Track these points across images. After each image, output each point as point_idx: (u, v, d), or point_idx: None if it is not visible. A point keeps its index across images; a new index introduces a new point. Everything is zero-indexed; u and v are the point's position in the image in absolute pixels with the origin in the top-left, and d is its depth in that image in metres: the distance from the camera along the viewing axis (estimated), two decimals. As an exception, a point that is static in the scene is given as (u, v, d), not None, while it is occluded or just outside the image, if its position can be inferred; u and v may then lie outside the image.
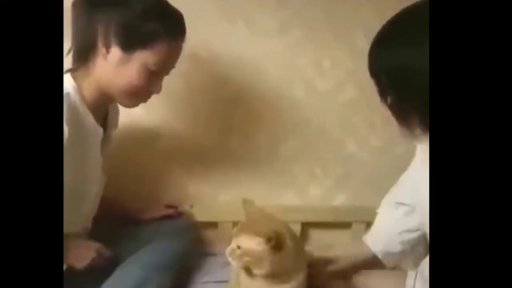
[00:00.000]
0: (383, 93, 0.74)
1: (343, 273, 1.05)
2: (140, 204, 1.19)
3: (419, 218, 0.91)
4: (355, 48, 1.19)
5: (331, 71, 1.22)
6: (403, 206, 0.96)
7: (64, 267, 0.87)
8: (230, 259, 0.85)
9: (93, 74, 0.89)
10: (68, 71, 0.90)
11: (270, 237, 0.81)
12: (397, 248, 0.97)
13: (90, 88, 0.90)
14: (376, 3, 1.16)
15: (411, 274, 0.97)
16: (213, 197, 1.28)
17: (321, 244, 1.26)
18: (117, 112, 1.08)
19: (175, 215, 1.20)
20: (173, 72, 0.95)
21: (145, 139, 1.23)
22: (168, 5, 0.90)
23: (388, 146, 1.27)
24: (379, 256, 1.00)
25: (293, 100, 1.24)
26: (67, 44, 0.87)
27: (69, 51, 0.90)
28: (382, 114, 0.78)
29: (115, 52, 0.86)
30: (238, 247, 0.83)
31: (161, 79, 0.93)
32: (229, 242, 0.86)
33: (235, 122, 1.25)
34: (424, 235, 0.92)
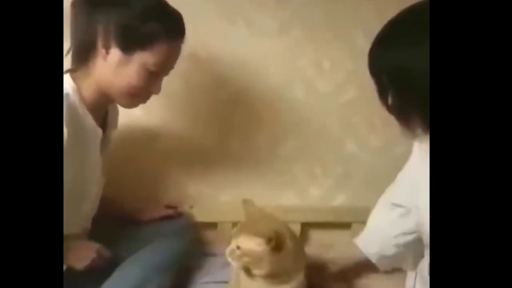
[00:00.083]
0: (383, 93, 0.74)
1: (342, 274, 1.05)
2: (139, 205, 1.19)
3: (415, 220, 0.90)
4: (355, 48, 1.19)
5: (331, 71, 1.22)
6: (399, 208, 0.96)
7: (64, 267, 0.87)
8: (230, 259, 0.84)
9: (93, 74, 0.89)
10: (67, 71, 0.90)
11: (270, 238, 0.81)
12: (392, 251, 0.97)
13: (89, 88, 0.90)
14: (376, 3, 1.16)
15: (411, 274, 0.97)
16: (213, 198, 1.28)
17: (321, 244, 1.26)
18: (116, 113, 1.07)
19: (175, 216, 1.19)
20: (172, 72, 0.95)
21: (145, 139, 1.23)
22: (167, 5, 0.89)
23: (388, 146, 1.27)
24: (374, 260, 1.00)
25: (293, 100, 1.24)
26: (66, 44, 0.87)
27: (68, 51, 0.90)
28: (382, 114, 0.78)
29: (115, 53, 0.86)
30: (238, 247, 0.83)
31: (160, 80, 0.93)
32: (229, 243, 0.86)
33: (235, 122, 1.25)
34: (420, 237, 0.92)
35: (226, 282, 1.00)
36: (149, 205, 1.20)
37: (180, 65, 0.95)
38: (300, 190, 1.30)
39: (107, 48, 0.85)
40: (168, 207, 1.21)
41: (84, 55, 0.88)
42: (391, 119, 0.77)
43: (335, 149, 1.28)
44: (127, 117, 1.12)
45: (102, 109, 0.97)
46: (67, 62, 0.88)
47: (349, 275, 1.07)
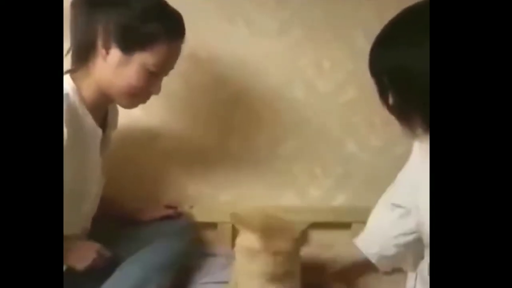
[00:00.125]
0: (383, 93, 0.74)
1: (342, 275, 1.05)
2: (139, 205, 1.19)
3: (415, 220, 0.90)
4: (355, 48, 1.19)
5: (331, 71, 1.22)
6: (399, 208, 0.95)
7: (64, 268, 0.87)
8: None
9: (93, 75, 0.89)
10: (67, 72, 0.90)
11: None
12: (392, 251, 0.97)
13: (89, 89, 0.90)
14: (376, 3, 1.16)
15: (411, 275, 0.97)
16: (213, 198, 1.28)
17: (321, 244, 1.26)
18: (116, 113, 1.07)
19: (175, 216, 1.19)
20: (172, 72, 0.95)
21: (145, 139, 1.23)
22: (167, 5, 0.89)
23: (388, 146, 1.26)
24: (373, 260, 0.99)
25: (293, 100, 1.24)
26: (66, 44, 0.86)
27: (68, 52, 0.90)
28: (382, 114, 0.78)
29: (115, 53, 0.86)
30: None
31: (160, 80, 0.93)
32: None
33: (235, 123, 1.25)
34: (420, 237, 0.92)
35: (226, 282, 1.00)
36: (149, 205, 1.20)
37: (180, 65, 0.95)
38: (300, 190, 1.30)
39: (107, 48, 0.85)
40: (168, 207, 1.21)
41: (84, 55, 0.88)
42: (391, 119, 0.77)
43: (335, 149, 1.27)
44: (127, 117, 1.12)
45: (102, 109, 0.97)
46: (67, 62, 0.88)
47: (349, 275, 1.07)
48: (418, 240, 0.92)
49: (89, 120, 0.91)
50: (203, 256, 1.18)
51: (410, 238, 0.94)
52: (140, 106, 0.95)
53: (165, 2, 0.90)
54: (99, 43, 0.85)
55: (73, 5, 0.87)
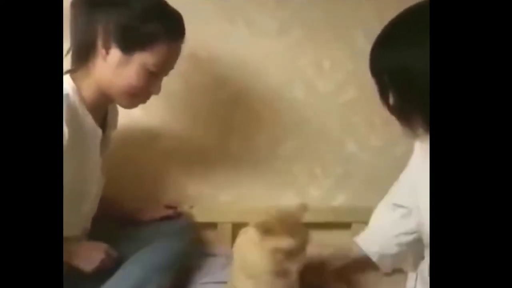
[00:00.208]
0: (384, 93, 0.74)
1: (342, 274, 1.05)
2: (139, 205, 1.19)
3: (416, 220, 0.90)
4: (355, 48, 1.19)
5: (331, 71, 1.22)
6: (401, 208, 0.96)
7: (65, 268, 0.87)
8: None
9: (93, 75, 0.89)
10: (67, 72, 0.89)
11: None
12: (393, 250, 0.97)
13: (89, 89, 0.90)
14: (376, 3, 1.16)
15: (411, 275, 0.97)
16: (212, 198, 1.28)
17: (321, 244, 1.26)
18: (116, 113, 1.07)
19: (175, 216, 1.19)
20: (172, 72, 0.95)
21: (145, 139, 1.23)
22: (167, 5, 0.89)
23: (388, 146, 1.27)
24: (374, 259, 1.00)
25: (293, 100, 1.24)
26: (66, 44, 0.86)
27: (68, 52, 0.89)
28: (382, 114, 0.78)
29: (115, 53, 0.86)
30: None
31: (160, 80, 0.93)
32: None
33: (235, 123, 1.25)
34: (420, 237, 0.92)
35: (225, 282, 1.00)
36: (149, 205, 1.20)
37: (180, 65, 0.95)
38: (300, 190, 1.30)
39: (107, 48, 0.85)
40: (168, 207, 1.20)
41: (84, 55, 0.88)
42: (391, 119, 0.77)
43: (335, 149, 1.28)
44: (127, 117, 1.12)
45: (102, 109, 0.97)
46: (67, 62, 0.88)
47: (349, 275, 1.07)
48: (419, 240, 0.93)
49: (89, 120, 0.91)
50: (203, 256, 1.18)
51: (410, 237, 0.95)
52: (140, 106, 0.95)
53: (165, 2, 0.89)
54: (99, 43, 0.85)
55: (73, 5, 0.87)
